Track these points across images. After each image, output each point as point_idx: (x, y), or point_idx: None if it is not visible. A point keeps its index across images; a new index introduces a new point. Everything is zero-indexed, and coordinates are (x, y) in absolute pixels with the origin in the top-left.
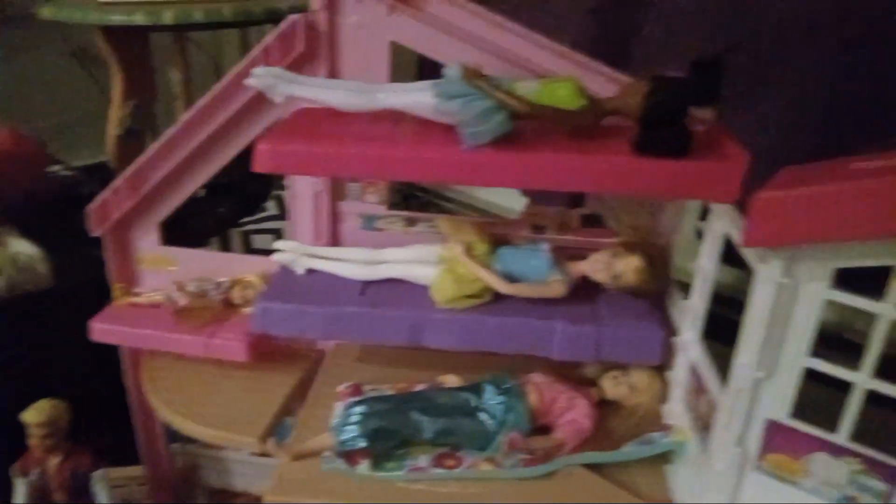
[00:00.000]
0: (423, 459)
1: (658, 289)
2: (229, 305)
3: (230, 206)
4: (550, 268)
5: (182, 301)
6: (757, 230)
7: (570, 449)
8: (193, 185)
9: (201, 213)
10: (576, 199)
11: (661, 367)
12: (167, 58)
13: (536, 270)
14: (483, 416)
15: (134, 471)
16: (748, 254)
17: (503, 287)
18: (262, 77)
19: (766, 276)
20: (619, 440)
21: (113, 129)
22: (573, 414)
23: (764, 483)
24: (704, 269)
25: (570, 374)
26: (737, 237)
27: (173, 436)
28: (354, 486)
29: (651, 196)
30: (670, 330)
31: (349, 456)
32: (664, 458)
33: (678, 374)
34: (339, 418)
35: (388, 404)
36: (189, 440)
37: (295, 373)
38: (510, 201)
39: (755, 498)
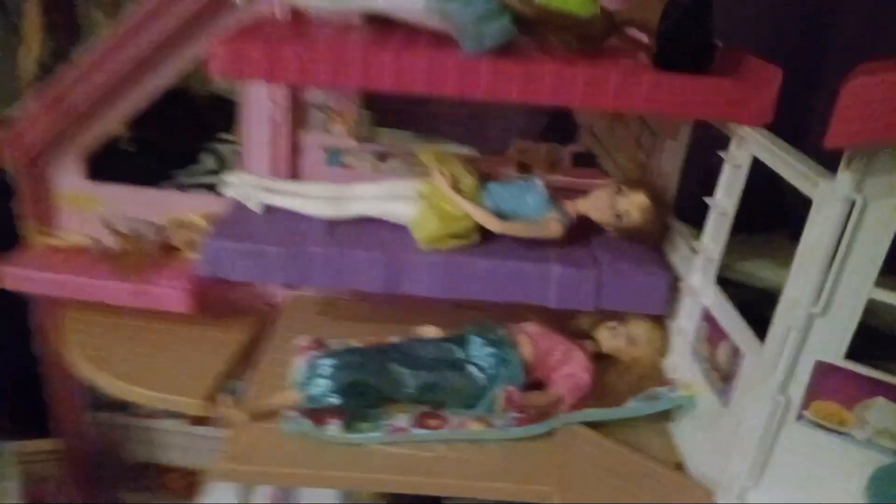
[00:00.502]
0: (402, 419)
1: (658, 232)
2: (168, 250)
3: (161, 161)
4: (546, 205)
5: (113, 243)
6: (848, 123)
7: (569, 406)
8: (123, 109)
9: (130, 168)
10: (565, 135)
11: (658, 319)
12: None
13: (531, 208)
14: (471, 370)
15: (46, 444)
16: (800, 176)
17: (496, 225)
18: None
19: (831, 194)
20: (619, 397)
21: (27, 71)
22: (570, 367)
23: (806, 435)
24: (721, 205)
25: (563, 327)
26: (770, 158)
27: (96, 404)
28: (322, 451)
29: (674, 115)
30: (674, 276)
31: (317, 415)
32: (667, 416)
33: (684, 324)
34: (305, 373)
35: (362, 357)
36: (115, 408)
37: (245, 329)
38: None
39: (794, 452)
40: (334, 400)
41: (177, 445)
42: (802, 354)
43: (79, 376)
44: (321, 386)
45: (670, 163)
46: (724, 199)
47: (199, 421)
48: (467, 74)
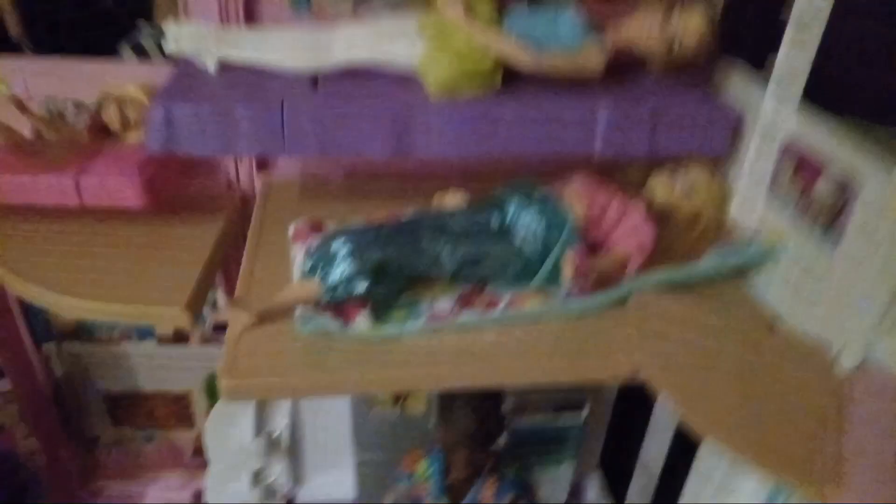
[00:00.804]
0: (443, 302)
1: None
2: (100, 133)
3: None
4: (584, 33)
5: (26, 129)
6: None
7: (637, 266)
8: None
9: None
10: None
11: (715, 164)
12: None
13: (566, 38)
14: (519, 236)
15: None
16: None
17: (527, 58)
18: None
19: None
20: (687, 256)
21: None
22: (631, 223)
23: None
24: (804, 12)
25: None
26: None
27: (46, 334)
28: (346, 349)
29: None
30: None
31: (339, 308)
32: (745, 273)
33: (755, 165)
34: (315, 257)
35: (381, 232)
36: (69, 336)
37: (214, 224)
38: None
39: None
40: (360, 286)
41: (153, 369)
42: None
43: (16, 297)
44: (341, 270)
45: None
46: (805, 2)
47: (174, 339)
48: None
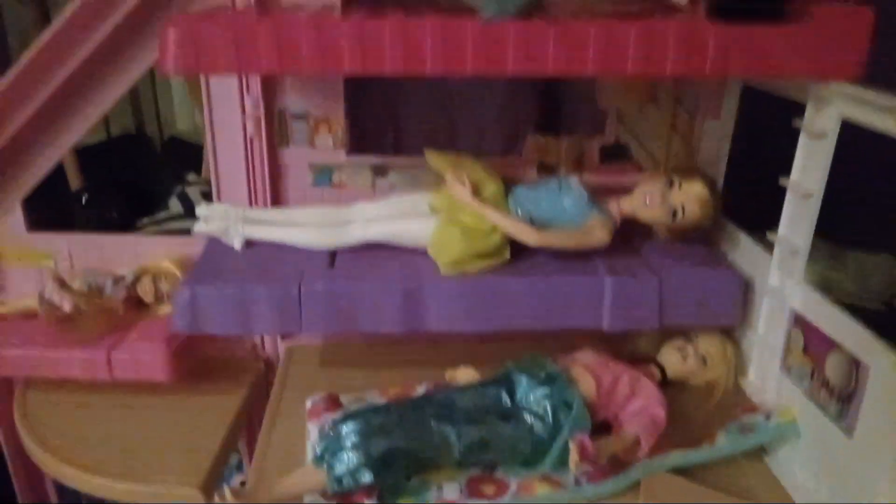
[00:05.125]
0: (450, 489)
1: (707, 233)
2: (136, 305)
3: (121, 208)
4: (587, 208)
5: (66, 304)
6: None
7: (648, 449)
8: (63, 143)
9: (86, 219)
10: (594, 126)
11: (728, 332)
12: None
13: (570, 213)
14: (526, 418)
15: None
16: None
17: (533, 236)
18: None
19: None
20: (701, 430)
21: None
22: (641, 401)
23: None
24: (802, 186)
25: (618, 353)
26: (867, 118)
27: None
28: None
29: (742, 73)
30: (744, 278)
31: (347, 497)
32: (762, 448)
33: (766, 335)
34: (324, 443)
35: (390, 416)
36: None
37: (237, 392)
38: None
39: None
40: (366, 477)
41: None
42: None
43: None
44: (348, 460)
45: (715, 146)
46: (805, 177)
47: None
48: (492, 43)
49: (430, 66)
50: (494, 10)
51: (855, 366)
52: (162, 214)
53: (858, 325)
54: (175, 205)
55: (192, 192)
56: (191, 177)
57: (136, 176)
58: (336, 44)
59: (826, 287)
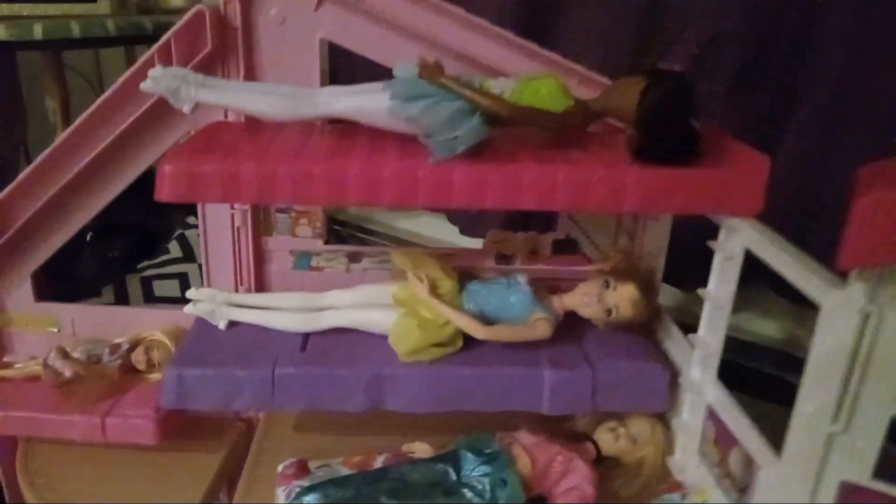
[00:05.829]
0: None
1: (646, 321)
2: (130, 372)
3: (123, 249)
4: (532, 304)
5: (67, 371)
6: (859, 245)
7: None
8: (75, 224)
9: (88, 259)
10: (545, 222)
11: (659, 415)
12: (42, 85)
13: (516, 308)
14: (466, 494)
15: None
16: (803, 279)
17: (480, 331)
18: (161, 79)
19: (844, 304)
20: (632, 499)
21: None
22: (573, 479)
23: None
24: (716, 297)
25: (558, 430)
26: (766, 254)
27: None
28: None
29: (659, 212)
30: (671, 369)
31: None
32: None
33: (688, 421)
34: None
35: (347, 490)
36: None
37: (218, 451)
38: (437, 232)
39: None
40: None
41: None
42: (825, 473)
43: None
44: None
45: (655, 244)
46: (718, 290)
47: None
48: (439, 185)
49: (388, 200)
50: (442, 153)
51: (749, 463)
52: (162, 258)
53: (755, 430)
54: (175, 248)
55: (191, 234)
56: (190, 219)
57: (140, 217)
58: (309, 182)
59: None
